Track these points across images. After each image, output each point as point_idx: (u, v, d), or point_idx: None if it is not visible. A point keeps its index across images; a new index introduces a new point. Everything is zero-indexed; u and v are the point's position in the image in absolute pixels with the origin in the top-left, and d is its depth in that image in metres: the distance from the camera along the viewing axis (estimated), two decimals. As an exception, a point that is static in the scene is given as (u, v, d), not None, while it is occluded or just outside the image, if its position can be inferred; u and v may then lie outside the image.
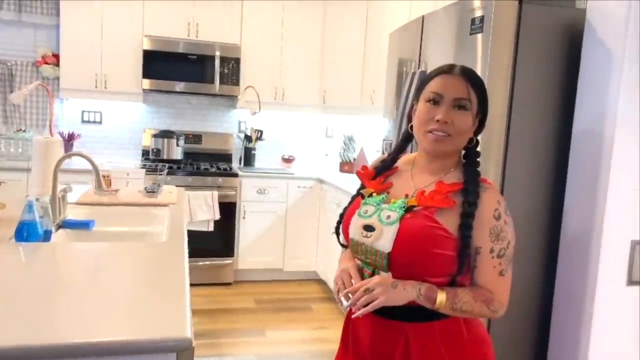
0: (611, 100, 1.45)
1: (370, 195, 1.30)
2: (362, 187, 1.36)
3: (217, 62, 4.31)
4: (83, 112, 4.53)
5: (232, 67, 4.37)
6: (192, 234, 3.87)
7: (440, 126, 1.19)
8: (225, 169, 4.36)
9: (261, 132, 4.73)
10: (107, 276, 1.53)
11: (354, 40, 4.43)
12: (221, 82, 4.35)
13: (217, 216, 4.07)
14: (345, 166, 4.60)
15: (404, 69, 2.16)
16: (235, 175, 4.25)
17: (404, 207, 1.22)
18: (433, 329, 1.22)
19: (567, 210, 1.61)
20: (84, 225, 2.16)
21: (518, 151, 1.60)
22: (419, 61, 1.99)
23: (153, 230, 2.29)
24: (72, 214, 2.34)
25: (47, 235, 1.86)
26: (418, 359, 1.23)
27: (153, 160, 4.33)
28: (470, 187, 1.19)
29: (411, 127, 1.30)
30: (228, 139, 4.74)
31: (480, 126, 1.26)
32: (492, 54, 1.53)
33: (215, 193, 4.06)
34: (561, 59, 1.60)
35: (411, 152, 1.34)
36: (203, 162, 4.57)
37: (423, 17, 1.98)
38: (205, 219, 4.06)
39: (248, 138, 4.69)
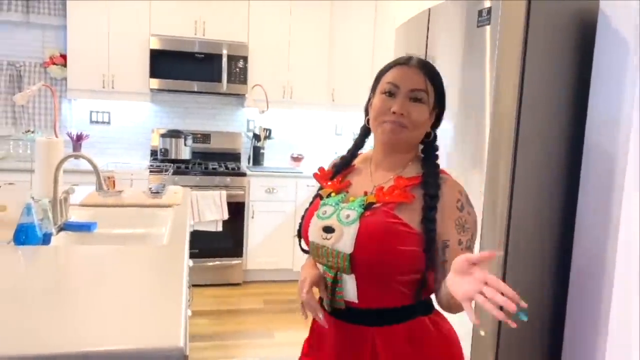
0: (627, 94, 1.38)
1: (329, 195, 1.26)
2: (321, 188, 1.32)
3: (224, 60, 4.27)
4: (91, 112, 4.53)
5: (239, 66, 4.34)
6: (200, 234, 3.88)
7: (396, 118, 1.17)
8: (233, 169, 4.32)
9: (270, 130, 4.69)
10: (102, 282, 1.49)
11: (362, 37, 4.36)
12: (229, 81, 4.32)
13: (226, 216, 4.04)
14: (355, 164, 4.55)
15: (411, 64, 2.10)
16: (244, 174, 4.22)
17: (362, 205, 1.17)
18: (399, 332, 1.19)
19: (580, 210, 1.54)
20: (85, 227, 2.13)
21: (528, 149, 1.53)
22: (426, 56, 1.93)
23: (155, 232, 2.26)
24: (75, 215, 2.31)
25: (46, 238, 1.83)
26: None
27: (161, 160, 4.32)
28: (430, 180, 1.16)
29: (368, 121, 1.27)
30: (236, 138, 4.71)
31: (437, 120, 1.25)
32: (501, 46, 1.47)
33: (224, 193, 4.03)
34: (574, 50, 1.53)
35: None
36: (211, 162, 4.54)
37: (429, 9, 1.91)
38: (213, 219, 4.03)
39: (256, 137, 4.65)
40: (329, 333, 1.26)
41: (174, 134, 4.45)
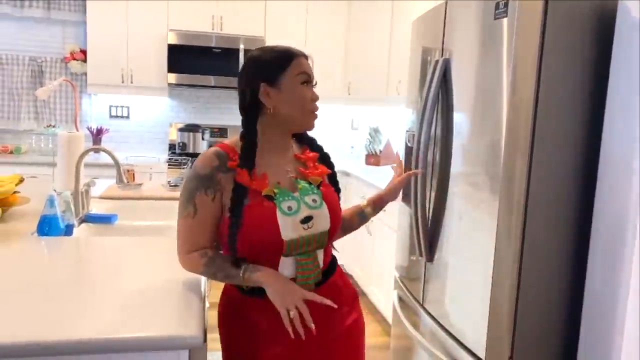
0: (647, 86, 1.36)
1: (275, 193, 1.26)
2: (242, 191, 1.24)
3: (241, 55, 4.30)
4: (111, 107, 4.60)
5: (256, 60, 4.35)
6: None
7: (316, 105, 1.34)
8: (250, 162, 4.35)
9: (286, 124, 4.70)
10: (124, 271, 1.53)
11: (379, 30, 4.35)
12: (246, 75, 4.34)
13: (243, 209, 4.07)
14: (371, 158, 4.54)
15: (428, 57, 2.09)
16: (260, 168, 4.24)
17: (314, 187, 1.33)
18: (340, 268, 1.46)
19: (598, 205, 1.53)
20: (106, 219, 2.18)
21: (545, 142, 1.52)
22: (442, 49, 1.92)
23: (174, 224, 2.29)
24: (96, 208, 2.36)
25: (69, 230, 1.88)
26: (344, 300, 1.41)
27: (179, 154, 4.37)
28: (325, 154, 1.47)
29: (269, 110, 1.28)
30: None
31: None
32: (518, 39, 1.46)
33: (240, 186, 4.06)
34: (592, 41, 1.51)
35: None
36: (228, 156, 4.57)
37: (446, 2, 1.91)
38: (230, 213, 4.06)
39: (273, 131, 4.67)
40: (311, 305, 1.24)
41: (191, 128, 4.49)
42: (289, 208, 1.25)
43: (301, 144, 1.45)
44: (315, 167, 1.39)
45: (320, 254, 1.34)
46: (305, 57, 1.35)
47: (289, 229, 1.24)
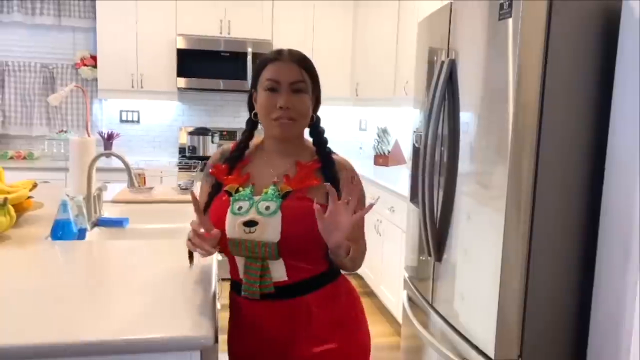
0: (653, 83, 1.36)
1: (237, 190, 1.28)
2: (218, 185, 1.33)
3: (249, 58, 4.33)
4: (121, 111, 4.64)
5: (264, 63, 4.38)
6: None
7: (283, 113, 1.25)
8: (259, 165, 4.37)
9: (295, 126, 4.72)
10: (136, 274, 1.55)
11: (386, 30, 4.36)
12: (254, 78, 4.37)
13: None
14: (380, 159, 4.55)
15: (434, 58, 2.10)
16: (270, 170, 4.26)
17: (278, 194, 1.25)
18: (328, 291, 1.32)
19: (606, 201, 1.53)
20: (118, 223, 2.20)
21: (552, 141, 1.52)
22: (448, 49, 1.93)
23: (185, 227, 2.31)
24: (108, 212, 2.39)
25: (81, 234, 1.91)
26: (318, 324, 1.30)
27: (190, 158, 4.41)
28: (329, 165, 1.32)
29: (254, 115, 1.34)
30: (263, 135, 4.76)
31: (317, 103, 1.36)
32: (523, 39, 1.46)
33: (250, 188, 4.08)
34: (598, 41, 1.51)
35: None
36: (238, 158, 4.60)
37: (451, 3, 1.92)
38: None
39: (282, 133, 4.69)
40: (257, 315, 1.31)
41: (201, 131, 4.53)
42: (239, 208, 1.25)
43: (318, 153, 1.36)
44: (303, 176, 1.29)
45: (275, 266, 1.26)
46: (289, 60, 1.29)
47: (231, 227, 1.25)
